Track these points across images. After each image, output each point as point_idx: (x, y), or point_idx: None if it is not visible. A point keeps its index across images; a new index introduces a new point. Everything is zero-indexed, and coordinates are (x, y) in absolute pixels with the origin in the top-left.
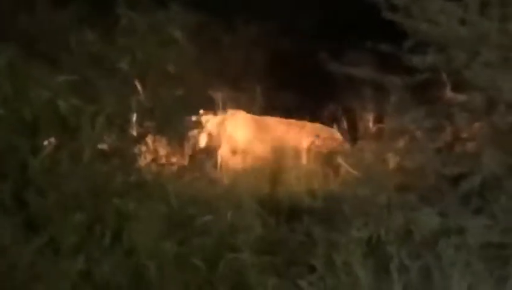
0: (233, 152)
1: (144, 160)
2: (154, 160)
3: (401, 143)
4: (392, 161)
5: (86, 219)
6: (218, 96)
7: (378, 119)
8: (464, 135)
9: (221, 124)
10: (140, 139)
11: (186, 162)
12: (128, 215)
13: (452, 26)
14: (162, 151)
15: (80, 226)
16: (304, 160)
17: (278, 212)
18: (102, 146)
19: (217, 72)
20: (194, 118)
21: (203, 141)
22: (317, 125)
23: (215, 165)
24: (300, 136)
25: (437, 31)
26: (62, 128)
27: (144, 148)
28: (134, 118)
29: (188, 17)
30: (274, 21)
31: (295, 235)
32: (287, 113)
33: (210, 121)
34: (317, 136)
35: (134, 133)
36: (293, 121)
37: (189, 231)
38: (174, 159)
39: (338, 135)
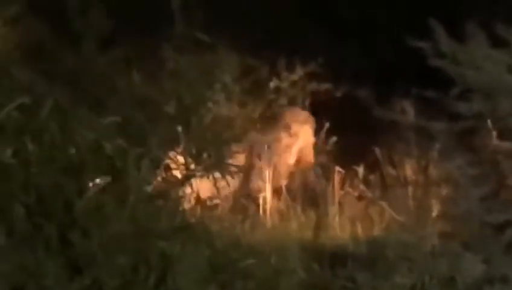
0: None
1: (189, 202)
2: (198, 203)
3: (445, 190)
4: (437, 207)
5: (130, 260)
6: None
7: (423, 166)
8: (509, 183)
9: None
10: (185, 181)
11: (230, 205)
12: (173, 258)
13: (499, 73)
14: (206, 194)
15: (124, 267)
16: None
17: (321, 256)
18: (148, 188)
19: (262, 115)
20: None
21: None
22: None
23: (258, 208)
24: None
25: (483, 78)
26: (108, 170)
27: (188, 190)
28: (179, 160)
29: (235, 60)
30: (319, 64)
31: (338, 280)
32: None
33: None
34: None
35: (179, 175)
36: None
37: (232, 274)
38: (218, 202)
39: None
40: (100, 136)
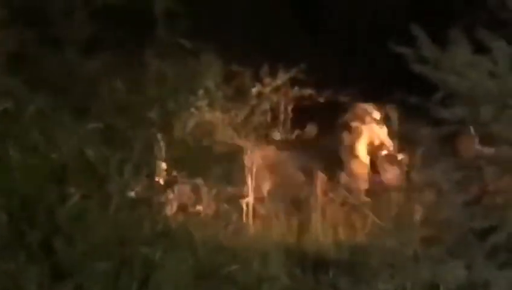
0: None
1: (171, 208)
2: (180, 209)
3: (428, 195)
4: (419, 212)
5: (112, 267)
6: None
7: (406, 171)
8: (492, 188)
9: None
10: (168, 187)
11: (212, 210)
12: (155, 264)
13: (481, 79)
14: (189, 200)
15: (106, 274)
16: None
17: (304, 262)
18: (130, 194)
19: (245, 121)
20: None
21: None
22: None
23: (241, 213)
24: None
25: (466, 84)
26: (90, 176)
27: (171, 196)
28: (161, 166)
29: (217, 66)
30: (301, 70)
31: (321, 286)
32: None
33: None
34: None
35: (162, 181)
36: None
37: (215, 280)
38: (200, 208)
39: None
40: (83, 143)
